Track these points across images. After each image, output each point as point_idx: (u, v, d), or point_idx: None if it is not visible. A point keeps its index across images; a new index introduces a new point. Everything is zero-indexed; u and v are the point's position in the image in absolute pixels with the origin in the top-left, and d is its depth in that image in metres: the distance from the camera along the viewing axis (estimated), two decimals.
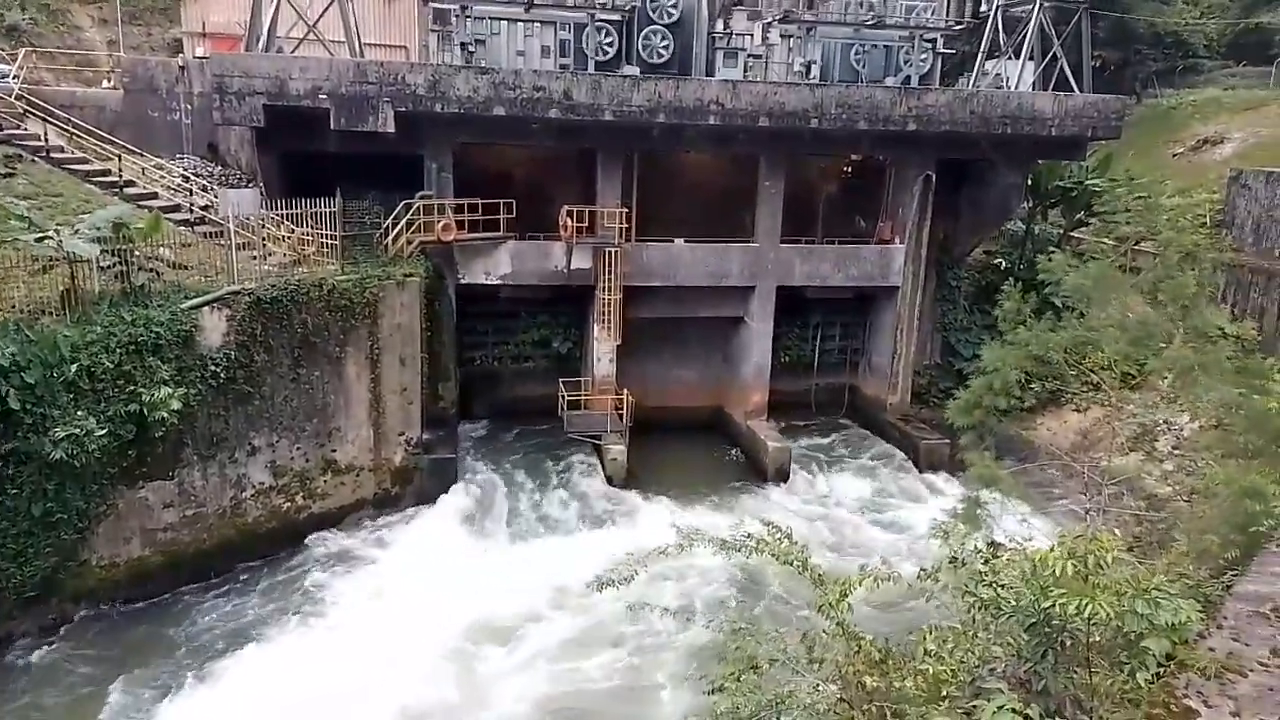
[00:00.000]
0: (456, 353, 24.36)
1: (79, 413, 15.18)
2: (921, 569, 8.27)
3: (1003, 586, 8.16)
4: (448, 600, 16.79)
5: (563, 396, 23.79)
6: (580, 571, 16.46)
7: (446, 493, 21.16)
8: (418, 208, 21.47)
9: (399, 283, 20.15)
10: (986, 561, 8.90)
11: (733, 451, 25.87)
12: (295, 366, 18.65)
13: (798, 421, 27.14)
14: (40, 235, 15.74)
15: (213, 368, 17.21)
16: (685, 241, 24.60)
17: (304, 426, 18.97)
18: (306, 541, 18.91)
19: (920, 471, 24.60)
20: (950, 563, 8.82)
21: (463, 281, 23.32)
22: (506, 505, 21.44)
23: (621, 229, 23.14)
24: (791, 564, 8.70)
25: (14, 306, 15.56)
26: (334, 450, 19.56)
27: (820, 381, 28.52)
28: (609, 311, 23.60)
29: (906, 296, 26.41)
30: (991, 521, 11.06)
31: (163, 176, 21.14)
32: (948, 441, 24.18)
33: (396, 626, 15.94)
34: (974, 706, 6.05)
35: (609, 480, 22.61)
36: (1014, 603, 7.06)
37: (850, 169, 29.11)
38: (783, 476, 23.78)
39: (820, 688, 7.94)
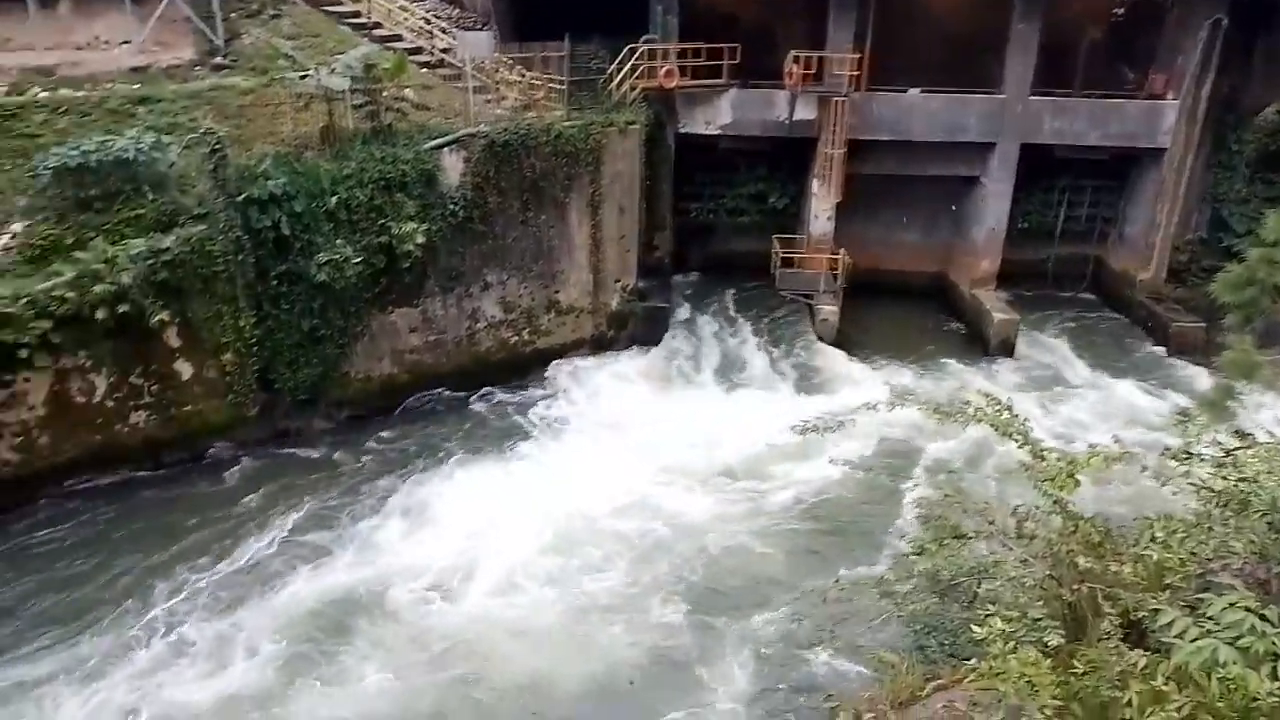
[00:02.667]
0: (672, 204, 24.48)
1: (338, 241, 16.84)
2: (1165, 450, 7.71)
3: (1248, 480, 7.48)
4: (651, 442, 17.66)
5: (776, 253, 23.49)
6: (783, 425, 16.76)
7: (658, 340, 21.90)
8: (642, 53, 21.24)
9: (621, 130, 20.29)
10: (1228, 454, 8.16)
11: (954, 322, 24.69)
12: (524, 210, 19.53)
13: (1029, 292, 25.32)
14: (302, 73, 17.11)
15: (451, 206, 18.38)
16: (920, 92, 22.86)
17: (530, 267, 20.03)
18: (531, 373, 20.34)
19: (1168, 355, 22.45)
20: (1186, 454, 8.18)
21: (682, 131, 23.11)
22: (715, 357, 21.87)
23: (851, 76, 21.81)
24: (1011, 436, 8.37)
25: (283, 140, 17.22)
26: (557, 292, 20.59)
27: (1061, 251, 26.24)
28: (831, 166, 22.67)
29: (1175, 160, 23.37)
30: (1242, 413, 10.03)
31: (406, 19, 22.09)
32: (1203, 325, 21.78)
33: (601, 460, 17.08)
34: (1199, 599, 5.69)
35: (818, 341, 22.41)
36: (1264, 497, 6.48)
37: (1122, 9, 25.44)
38: (1007, 350, 22.51)
39: (1029, 562, 7.76)
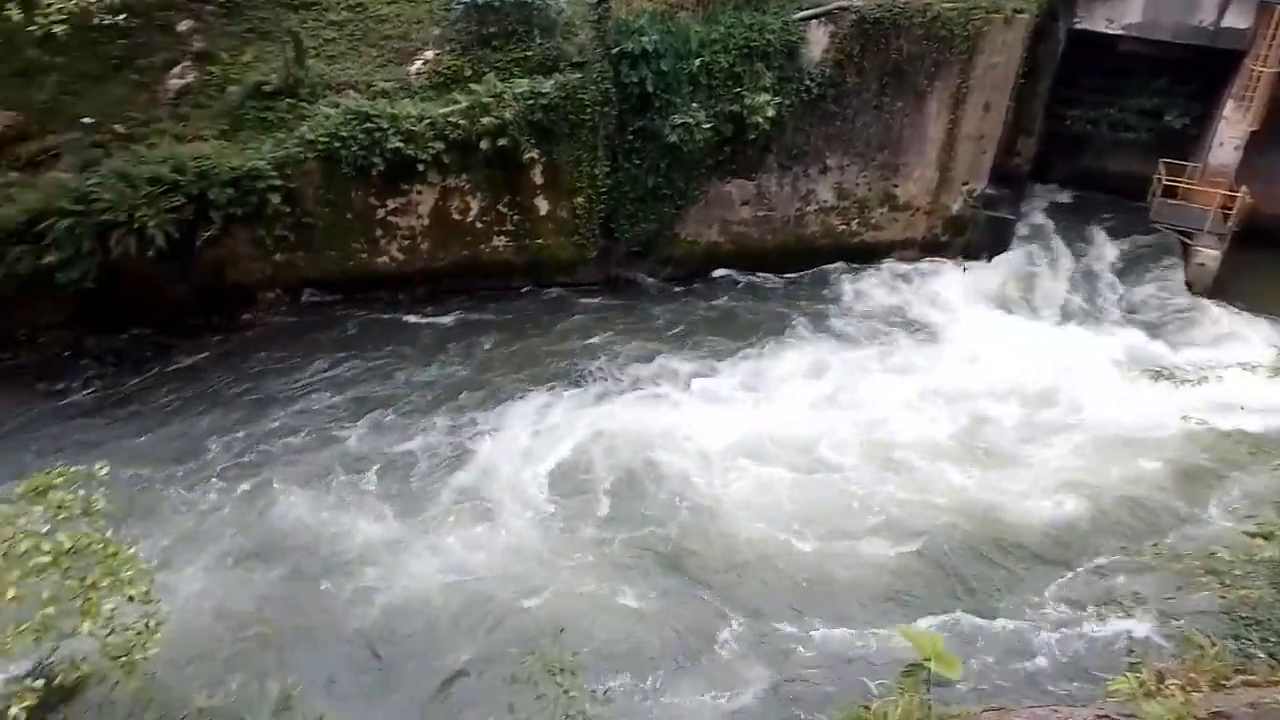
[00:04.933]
0: (1046, 107, 22.09)
1: (693, 105, 17.27)
2: None
3: None
4: (974, 361, 16.82)
5: (1159, 179, 20.56)
6: (1131, 368, 15.15)
7: (996, 254, 20.38)
8: None
9: (1006, 19, 18.46)
10: None
11: None
12: (880, 94, 18.69)
13: None
14: None
15: (807, 82, 18.04)
16: None
17: (874, 156, 19.32)
18: (851, 265, 19.96)
19: None
20: None
21: (1078, 27, 20.48)
22: (1060, 285, 19.97)
23: None
24: None
25: None
26: (895, 185, 19.75)
27: None
28: (1255, 87, 19.11)
29: None
30: None
31: None
32: None
33: (916, 368, 16.61)
34: None
35: (1188, 286, 19.64)
36: None
37: None
38: None
39: None
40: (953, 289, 19.43)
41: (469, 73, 16.84)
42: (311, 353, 16.16)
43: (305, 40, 16.99)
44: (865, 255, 20.10)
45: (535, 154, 16.77)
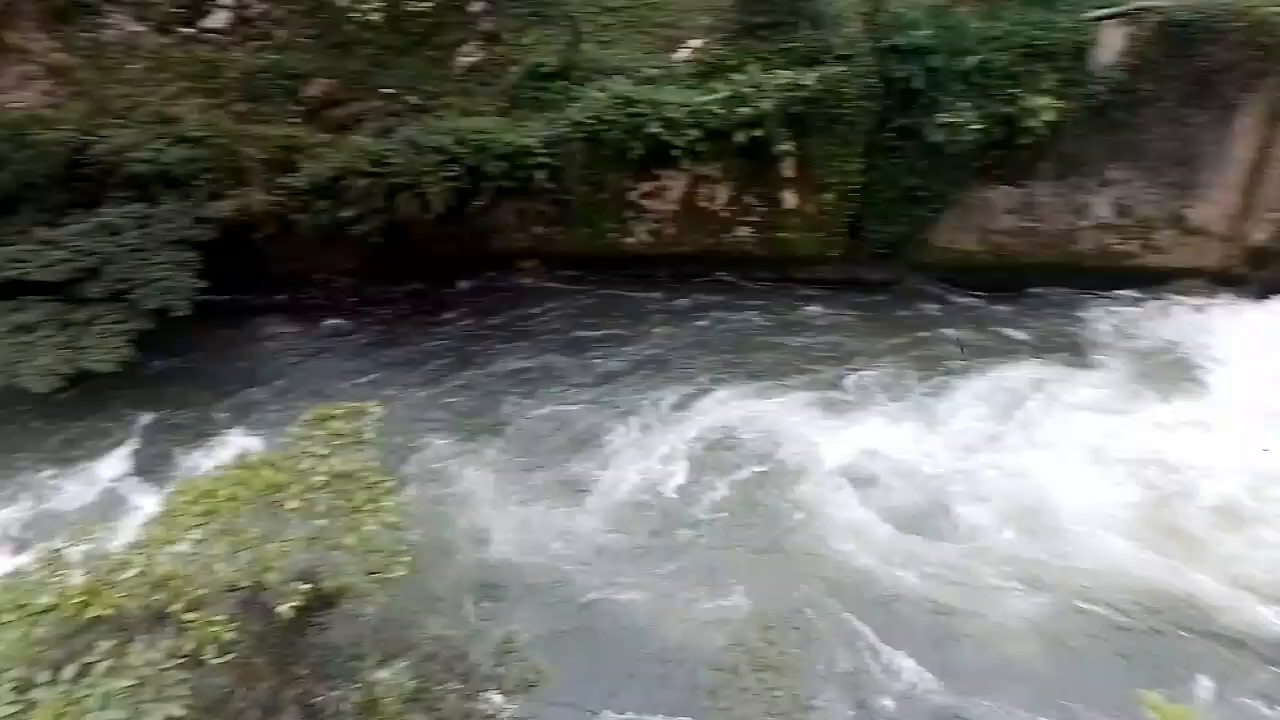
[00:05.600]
0: None
1: (963, 104, 16.37)
2: None
3: None
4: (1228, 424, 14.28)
5: None
6: None
7: None
8: None
9: None
10: None
11: None
12: (1179, 105, 16.79)
13: None
14: None
15: (1094, 87, 16.57)
16: None
17: (1164, 172, 17.40)
18: (1129, 290, 18.04)
19: None
20: None
21: None
22: None
23: None
24: None
25: None
26: (1187, 206, 17.68)
27: None
28: None
29: None
30: None
31: None
32: None
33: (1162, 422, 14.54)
34: None
35: None
36: None
37: None
38: None
39: None
40: (1239, 333, 16.85)
41: (733, 62, 16.94)
42: (557, 319, 17.20)
43: (582, 25, 17.84)
44: (1141, 281, 18.14)
45: (788, 147, 16.61)
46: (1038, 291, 18.15)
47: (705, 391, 15.16)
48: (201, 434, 13.95)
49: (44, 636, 5.76)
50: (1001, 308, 17.81)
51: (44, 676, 4.25)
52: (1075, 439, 13.96)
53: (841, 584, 11.35)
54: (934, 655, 10.30)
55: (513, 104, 17.67)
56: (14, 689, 4.17)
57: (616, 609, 10.99)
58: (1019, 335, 17.06)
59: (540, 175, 16.55)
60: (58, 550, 6.51)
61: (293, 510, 6.70)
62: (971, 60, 16.08)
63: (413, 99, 17.91)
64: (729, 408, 14.79)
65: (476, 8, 18.90)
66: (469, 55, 18.50)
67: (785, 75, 16.35)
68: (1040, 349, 16.60)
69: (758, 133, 16.36)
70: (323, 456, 7.06)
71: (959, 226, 18.05)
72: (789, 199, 17.58)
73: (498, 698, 7.26)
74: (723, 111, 16.38)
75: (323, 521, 6.60)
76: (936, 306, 17.95)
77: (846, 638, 10.48)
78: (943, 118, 16.33)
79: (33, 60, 17.19)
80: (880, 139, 16.95)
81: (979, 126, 16.38)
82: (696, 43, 17.66)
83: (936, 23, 16.15)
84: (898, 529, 12.31)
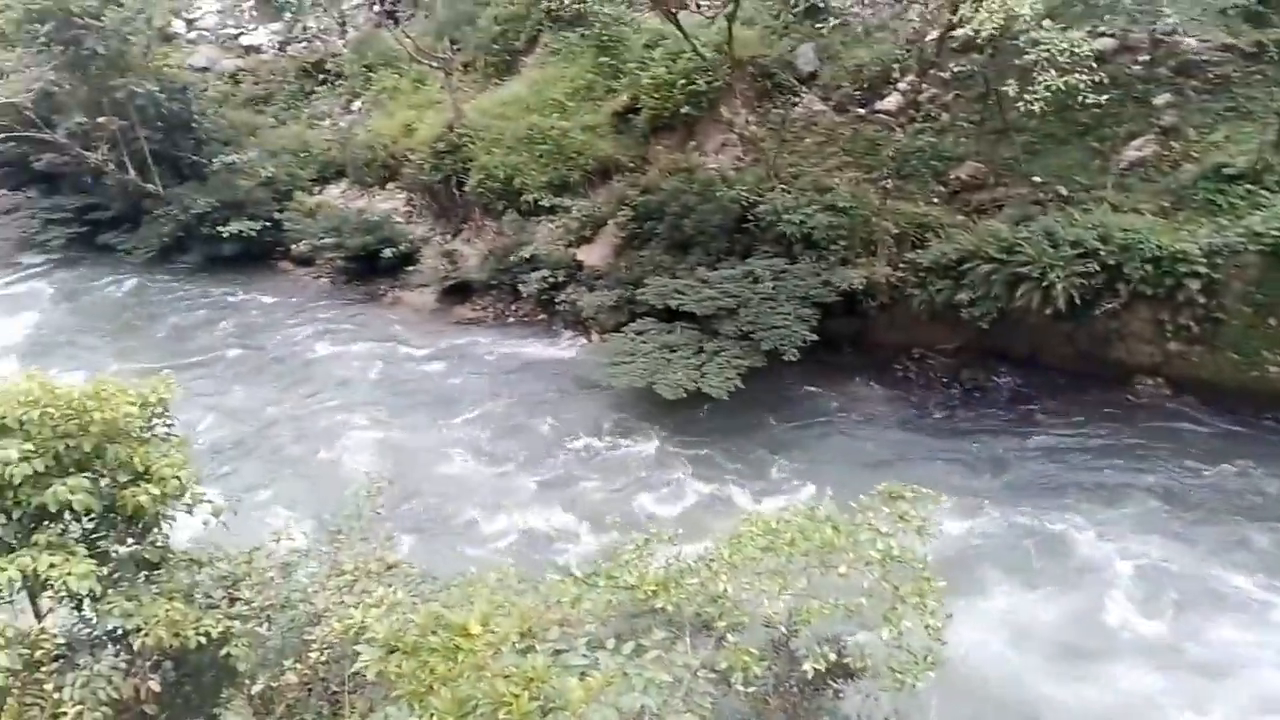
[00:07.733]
0: None
1: None
2: None
3: None
4: None
5: None
6: None
7: None
8: None
9: None
10: None
11: None
12: None
13: None
14: None
15: None
16: None
17: None
18: None
19: None
20: None
21: None
22: None
23: None
24: None
25: None
26: None
27: None
28: None
29: None
30: None
31: None
32: None
33: None
34: None
35: None
36: None
37: None
38: None
39: None
40: None
41: None
42: (1189, 455, 14.48)
43: None
44: None
45: None
46: None
47: None
48: (764, 467, 15.16)
49: (618, 606, 6.78)
50: None
51: (611, 643, 4.96)
52: None
53: None
54: None
55: (1176, 205, 15.71)
56: (587, 644, 4.96)
57: None
58: None
59: (1193, 286, 14.42)
60: (647, 540, 7.62)
61: (841, 576, 6.81)
62: None
63: (1061, 189, 17.04)
64: None
65: (1161, 100, 17.15)
66: (1138, 149, 16.91)
67: None
68: None
69: None
70: (883, 535, 7.04)
71: None
72: None
73: None
74: None
75: (864, 600, 6.58)
76: None
77: None
78: None
79: (734, 130, 20.53)
80: None
81: None
82: None
83: None
84: None
